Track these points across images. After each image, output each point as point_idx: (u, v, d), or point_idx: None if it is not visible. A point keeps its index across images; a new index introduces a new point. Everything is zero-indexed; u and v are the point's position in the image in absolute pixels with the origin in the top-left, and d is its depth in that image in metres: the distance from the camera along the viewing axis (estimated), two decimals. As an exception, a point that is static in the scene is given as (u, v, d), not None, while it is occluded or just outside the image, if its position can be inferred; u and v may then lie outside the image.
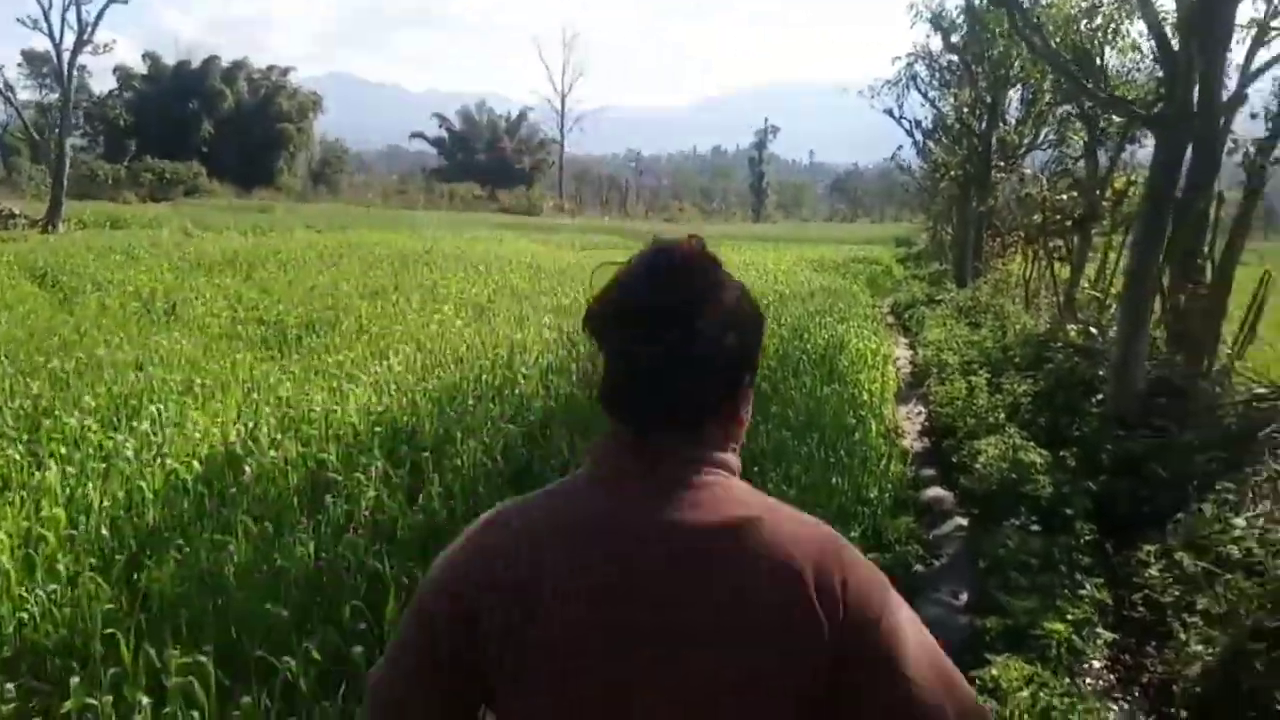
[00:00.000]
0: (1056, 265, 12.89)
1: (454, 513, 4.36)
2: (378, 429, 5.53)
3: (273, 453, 4.95)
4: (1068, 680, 3.38)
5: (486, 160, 70.47)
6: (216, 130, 56.67)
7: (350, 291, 12.80)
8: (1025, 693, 3.09)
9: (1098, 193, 11.25)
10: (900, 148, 22.37)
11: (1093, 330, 8.03)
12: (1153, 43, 8.13)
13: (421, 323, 10.41)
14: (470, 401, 6.20)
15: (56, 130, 29.11)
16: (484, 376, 7.01)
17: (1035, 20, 12.79)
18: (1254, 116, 9.15)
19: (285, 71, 62.06)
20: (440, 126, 73.94)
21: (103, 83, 57.64)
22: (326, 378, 7.20)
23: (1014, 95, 15.28)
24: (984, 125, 15.02)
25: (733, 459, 1.21)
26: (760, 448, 5.33)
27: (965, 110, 15.81)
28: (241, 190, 51.17)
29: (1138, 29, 10.72)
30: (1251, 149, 9.08)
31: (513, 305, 12.10)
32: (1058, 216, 10.75)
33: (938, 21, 15.13)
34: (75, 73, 28.94)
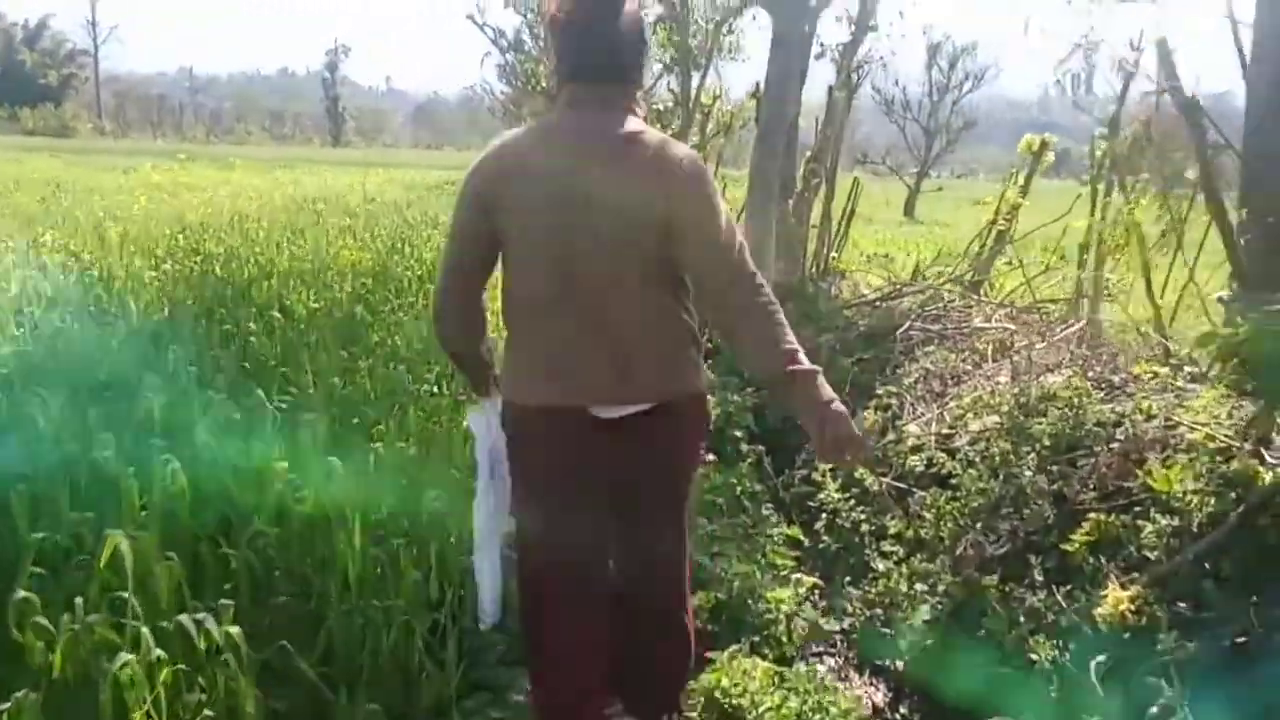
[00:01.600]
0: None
1: None
2: None
3: None
4: (804, 667, 2.71)
5: (3, 76, 59.08)
6: None
7: None
8: (773, 700, 2.31)
9: (690, 107, 11.07)
10: (487, 55, 20.88)
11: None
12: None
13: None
14: None
15: None
16: None
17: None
18: (838, 20, 9.34)
19: None
20: (-65, 32, 60.64)
21: None
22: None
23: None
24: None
25: (640, 102, 2.27)
26: (366, 390, 4.09)
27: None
28: None
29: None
30: (837, 53, 9.30)
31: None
32: (658, 126, 10.41)
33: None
34: None
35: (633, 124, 2.16)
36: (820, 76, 22.36)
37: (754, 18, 10.97)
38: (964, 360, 4.85)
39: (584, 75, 2.20)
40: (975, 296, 6.19)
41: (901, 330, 5.36)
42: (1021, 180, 6.99)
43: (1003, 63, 55.60)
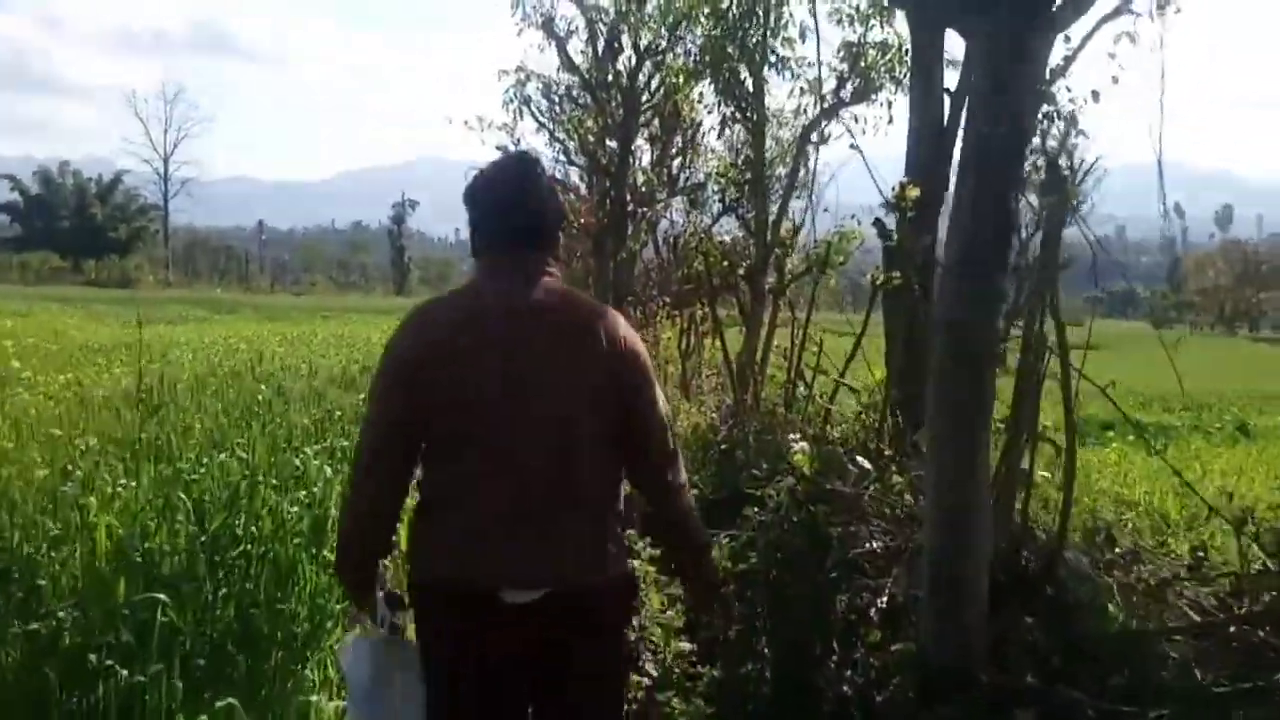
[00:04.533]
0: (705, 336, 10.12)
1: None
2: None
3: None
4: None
5: (72, 228, 60.29)
6: None
7: None
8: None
9: (768, 238, 8.55)
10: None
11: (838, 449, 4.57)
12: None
13: None
14: None
15: None
16: None
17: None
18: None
19: None
20: (12, 190, 62.44)
21: None
22: None
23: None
24: (617, 162, 11.89)
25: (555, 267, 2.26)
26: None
27: (593, 144, 12.39)
28: None
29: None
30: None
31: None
32: (725, 264, 7.79)
33: (550, 28, 11.66)
34: None
35: (560, 290, 2.23)
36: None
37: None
38: None
39: (504, 242, 2.23)
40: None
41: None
42: None
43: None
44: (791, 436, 4.52)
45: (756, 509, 3.85)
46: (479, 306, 2.17)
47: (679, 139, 12.43)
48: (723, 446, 5.84)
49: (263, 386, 8.80)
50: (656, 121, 12.39)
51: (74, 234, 59.20)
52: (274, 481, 4.64)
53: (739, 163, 10.11)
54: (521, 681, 2.21)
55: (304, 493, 4.62)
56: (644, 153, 12.67)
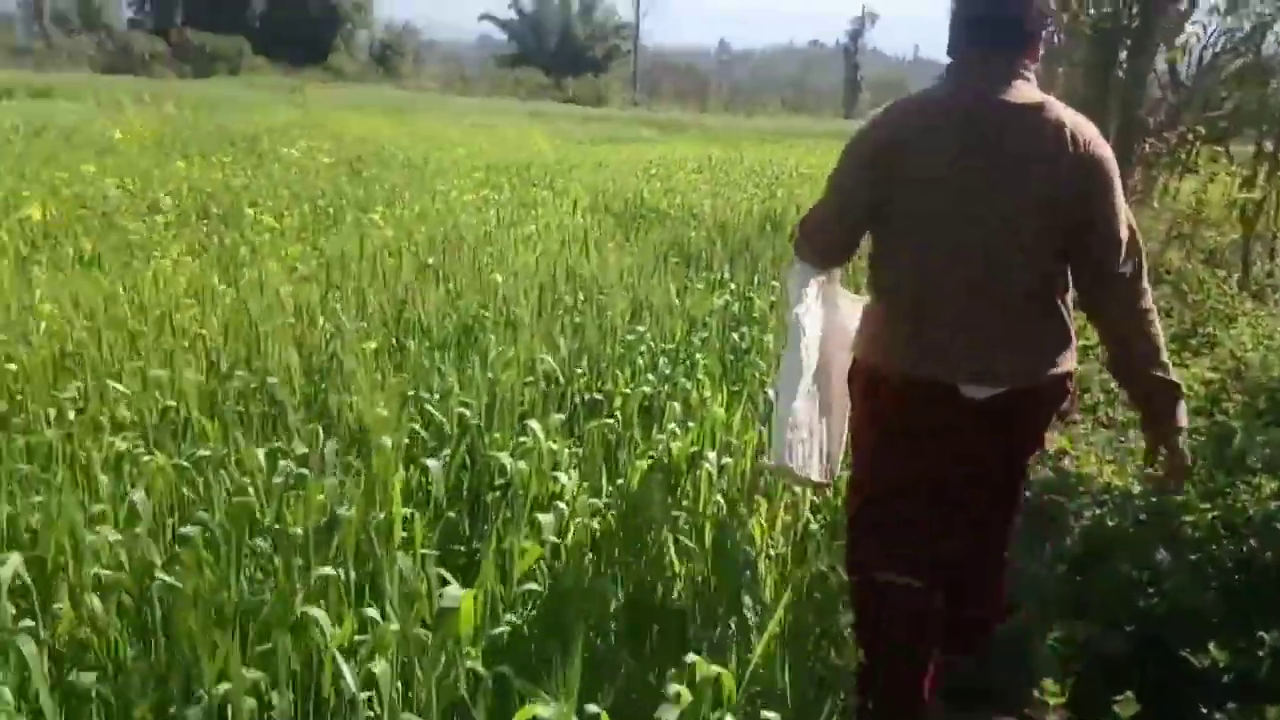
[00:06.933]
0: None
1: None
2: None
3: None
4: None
5: (557, 47, 65.43)
6: (268, 3, 52.84)
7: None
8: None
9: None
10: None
11: None
12: None
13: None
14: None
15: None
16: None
17: None
18: None
19: (346, -56, 57.49)
20: (510, 7, 68.89)
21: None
22: None
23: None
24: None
25: (1033, 72, 2.16)
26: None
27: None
28: (291, 69, 47.27)
29: None
30: None
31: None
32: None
33: None
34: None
35: (1037, 96, 2.15)
36: None
37: None
38: None
39: (983, 42, 2.19)
40: None
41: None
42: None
43: None
44: None
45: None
46: (945, 100, 2.22)
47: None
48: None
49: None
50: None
51: (558, 53, 64.22)
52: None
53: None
54: (950, 470, 2.31)
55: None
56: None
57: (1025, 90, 2.16)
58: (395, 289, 5.21)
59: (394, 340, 4.48)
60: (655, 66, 78.59)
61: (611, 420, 3.67)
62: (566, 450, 3.31)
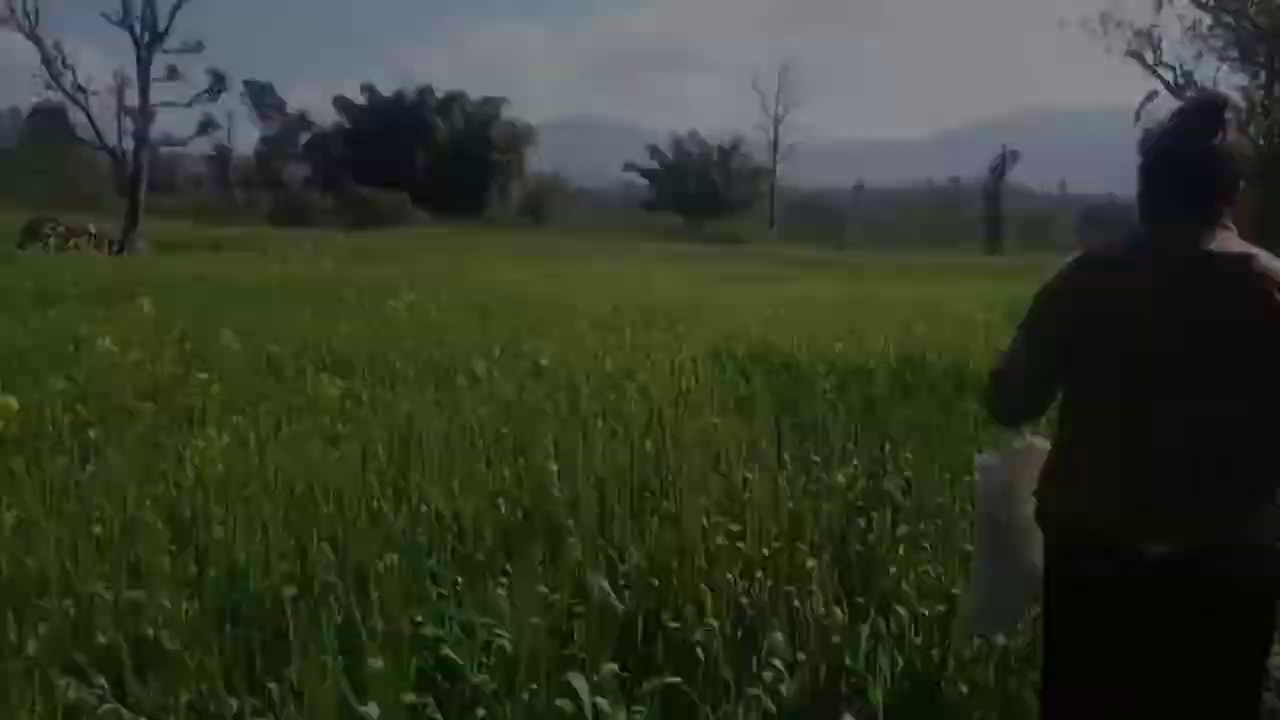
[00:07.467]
0: None
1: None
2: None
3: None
4: None
5: (696, 190, 67.63)
6: (429, 161, 56.79)
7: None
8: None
9: None
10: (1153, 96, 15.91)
11: None
12: None
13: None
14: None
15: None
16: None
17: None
18: None
19: (500, 102, 61.71)
20: (652, 158, 71.91)
21: (325, 115, 59.27)
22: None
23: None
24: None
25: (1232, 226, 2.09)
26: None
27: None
28: (449, 219, 50.28)
29: None
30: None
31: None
32: None
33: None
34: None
35: (1234, 242, 2.08)
36: None
37: None
38: None
39: (1170, 197, 2.13)
40: None
41: None
42: None
43: None
44: None
45: None
46: (1138, 249, 2.17)
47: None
48: None
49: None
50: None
51: (697, 196, 66.27)
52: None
53: None
54: (1136, 651, 2.07)
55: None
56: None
57: (1223, 237, 2.08)
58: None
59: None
60: (791, 206, 79.90)
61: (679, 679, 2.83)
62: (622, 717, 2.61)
